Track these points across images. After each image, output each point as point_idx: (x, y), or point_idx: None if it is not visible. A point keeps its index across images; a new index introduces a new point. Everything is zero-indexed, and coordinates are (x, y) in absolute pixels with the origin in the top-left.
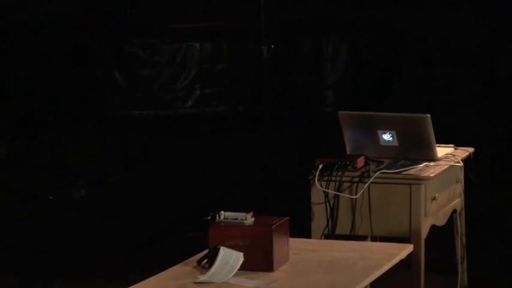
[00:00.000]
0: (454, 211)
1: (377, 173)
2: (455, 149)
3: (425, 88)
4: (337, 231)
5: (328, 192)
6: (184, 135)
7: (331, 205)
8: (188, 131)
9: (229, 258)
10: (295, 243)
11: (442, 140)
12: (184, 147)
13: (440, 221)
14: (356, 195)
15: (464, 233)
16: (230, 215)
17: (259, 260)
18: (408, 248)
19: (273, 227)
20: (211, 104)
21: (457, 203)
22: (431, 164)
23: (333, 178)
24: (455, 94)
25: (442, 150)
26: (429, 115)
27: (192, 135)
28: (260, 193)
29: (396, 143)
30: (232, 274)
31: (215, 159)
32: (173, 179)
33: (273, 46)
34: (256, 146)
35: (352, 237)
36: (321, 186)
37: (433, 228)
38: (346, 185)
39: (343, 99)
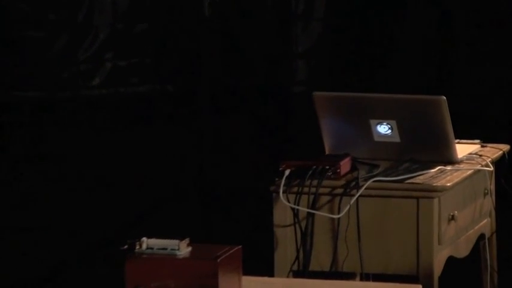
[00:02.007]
0: (482, 236)
1: (369, 182)
2: (482, 146)
3: (439, 58)
4: (312, 267)
5: (298, 209)
6: (89, 126)
7: (303, 228)
8: (95, 120)
9: None
10: (252, 283)
11: (464, 134)
12: (91, 144)
13: (462, 251)
14: (339, 213)
15: (495, 267)
16: (156, 243)
17: None
18: None
19: (218, 260)
20: (128, 81)
21: (486, 224)
22: (448, 168)
23: (306, 189)
24: (482, 68)
25: (463, 149)
26: (444, 97)
27: (101, 126)
28: (200, 211)
29: (397, 138)
30: None
31: (135, 161)
32: (74, 190)
33: None
34: (195, 143)
35: (334, 274)
36: (288, 201)
37: (452, 260)
38: (324, 199)
39: (319, 75)
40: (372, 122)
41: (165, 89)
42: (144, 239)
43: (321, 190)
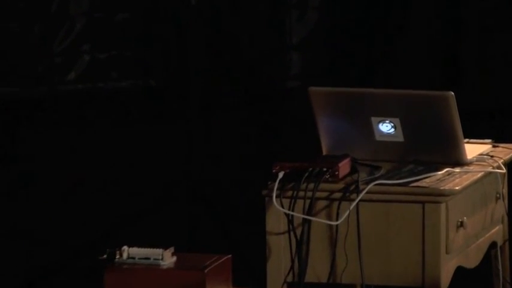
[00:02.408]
0: (493, 245)
1: (371, 185)
2: (494, 146)
3: (447, 50)
4: (308, 278)
5: (293, 215)
6: (65, 124)
7: (299, 236)
8: (71, 118)
9: None
10: None
11: (474, 133)
12: (67, 144)
13: (472, 261)
14: (337, 220)
15: (508, 278)
16: (138, 252)
17: None
18: None
19: (206, 270)
20: (108, 76)
21: (497, 231)
22: (457, 170)
23: (301, 193)
24: (494, 61)
25: (473, 149)
26: (452, 93)
27: (77, 124)
28: (187, 217)
29: (401, 138)
30: None
31: (115, 163)
32: (49, 194)
33: None
34: (182, 142)
35: (332, 286)
36: (282, 207)
37: (461, 271)
38: (321, 204)
39: (315, 68)
40: (374, 119)
41: (148, 84)
42: (125, 247)
43: (318, 194)
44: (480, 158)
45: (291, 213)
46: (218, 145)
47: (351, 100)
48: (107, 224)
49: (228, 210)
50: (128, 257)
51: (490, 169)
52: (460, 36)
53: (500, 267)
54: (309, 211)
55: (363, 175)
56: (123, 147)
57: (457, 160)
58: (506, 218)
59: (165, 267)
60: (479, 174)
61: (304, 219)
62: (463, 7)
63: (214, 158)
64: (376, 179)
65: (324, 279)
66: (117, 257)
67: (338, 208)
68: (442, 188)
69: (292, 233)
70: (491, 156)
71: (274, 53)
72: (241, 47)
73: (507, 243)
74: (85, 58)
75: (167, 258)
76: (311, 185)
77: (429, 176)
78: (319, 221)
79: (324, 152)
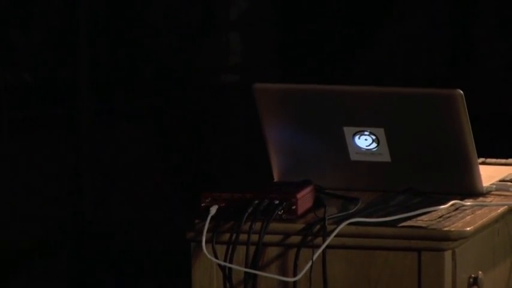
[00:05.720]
0: None
1: (342, 225)
2: None
3: (452, 35)
4: None
5: (231, 268)
6: None
7: None
8: None
9: None
10: None
11: (494, 150)
12: None
13: None
14: (295, 275)
15: None
16: None
17: None
18: None
19: None
20: None
21: None
22: (468, 203)
23: (243, 237)
24: None
25: (491, 172)
26: (461, 91)
27: None
28: (74, 269)
29: (386, 157)
30: None
31: None
32: None
33: None
34: (68, 161)
35: None
36: (216, 256)
37: None
38: (272, 252)
39: (263, 55)
40: (347, 130)
41: (21, 79)
42: None
43: (267, 238)
44: (501, 186)
45: (228, 265)
46: (122, 165)
47: (314, 102)
48: None
49: (134, 261)
50: None
51: None
52: (469, 20)
53: None
54: (255, 262)
55: (332, 210)
56: None
57: (468, 188)
58: None
59: None
60: (501, 210)
61: (247, 273)
62: None
63: (115, 185)
64: (351, 216)
65: None
66: None
67: (296, 258)
68: (446, 229)
69: None
70: None
71: (201, 34)
72: (156, 26)
73: None
74: None
75: None
76: (257, 225)
77: (428, 212)
78: (269, 276)
79: (276, 177)
